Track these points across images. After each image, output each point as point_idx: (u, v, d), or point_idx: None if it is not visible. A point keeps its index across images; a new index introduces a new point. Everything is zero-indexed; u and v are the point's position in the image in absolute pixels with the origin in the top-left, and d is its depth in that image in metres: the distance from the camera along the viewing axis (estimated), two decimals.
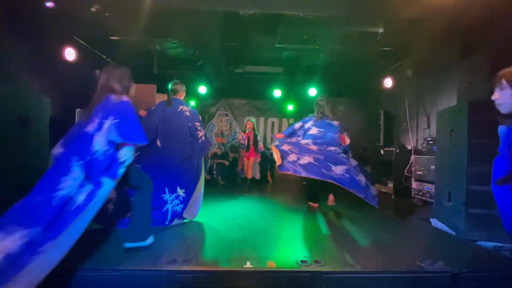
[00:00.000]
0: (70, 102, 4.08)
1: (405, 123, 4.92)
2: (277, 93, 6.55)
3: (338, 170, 2.88)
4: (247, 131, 5.29)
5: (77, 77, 4.25)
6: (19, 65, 3.00)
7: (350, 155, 3.44)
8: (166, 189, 2.69)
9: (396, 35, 3.92)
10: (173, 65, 5.67)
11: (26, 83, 3.09)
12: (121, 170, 1.84)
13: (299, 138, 3.45)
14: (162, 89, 6.17)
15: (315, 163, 2.91)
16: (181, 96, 3.07)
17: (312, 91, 6.32)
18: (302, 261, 1.86)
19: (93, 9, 3.27)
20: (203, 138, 2.96)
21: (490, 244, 2.40)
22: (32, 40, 3.32)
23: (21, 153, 2.54)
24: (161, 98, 6.27)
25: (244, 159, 5.41)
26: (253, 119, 5.93)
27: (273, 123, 7.13)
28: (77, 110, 4.06)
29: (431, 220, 3.09)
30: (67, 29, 3.95)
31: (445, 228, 2.83)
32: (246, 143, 5.33)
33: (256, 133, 5.49)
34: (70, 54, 4.04)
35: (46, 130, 2.88)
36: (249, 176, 5.16)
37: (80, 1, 3.20)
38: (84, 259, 1.82)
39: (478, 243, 2.43)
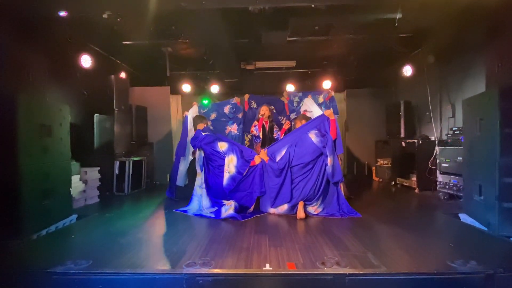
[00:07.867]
0: (88, 108, 4.21)
1: (427, 113, 4.66)
2: (290, 87, 6.42)
3: None
4: (260, 117, 3.89)
5: (93, 83, 4.37)
6: (39, 75, 3.11)
7: None
8: None
9: (415, 19, 3.69)
10: (185, 65, 5.71)
11: (47, 92, 3.20)
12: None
13: None
14: (175, 91, 6.27)
15: None
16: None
17: (327, 84, 6.14)
18: (324, 263, 1.80)
19: (105, 16, 3.33)
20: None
21: None
22: (49, 50, 3.44)
23: (44, 160, 2.64)
24: (174, 99, 6.39)
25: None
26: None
27: None
28: (96, 115, 4.18)
29: (460, 215, 2.92)
30: (82, 37, 4.07)
31: (476, 224, 2.66)
32: (260, 134, 3.81)
33: (273, 122, 4.06)
34: (86, 61, 4.17)
35: (67, 136, 2.98)
36: None
37: (92, 8, 3.26)
38: (106, 263, 1.87)
39: None
